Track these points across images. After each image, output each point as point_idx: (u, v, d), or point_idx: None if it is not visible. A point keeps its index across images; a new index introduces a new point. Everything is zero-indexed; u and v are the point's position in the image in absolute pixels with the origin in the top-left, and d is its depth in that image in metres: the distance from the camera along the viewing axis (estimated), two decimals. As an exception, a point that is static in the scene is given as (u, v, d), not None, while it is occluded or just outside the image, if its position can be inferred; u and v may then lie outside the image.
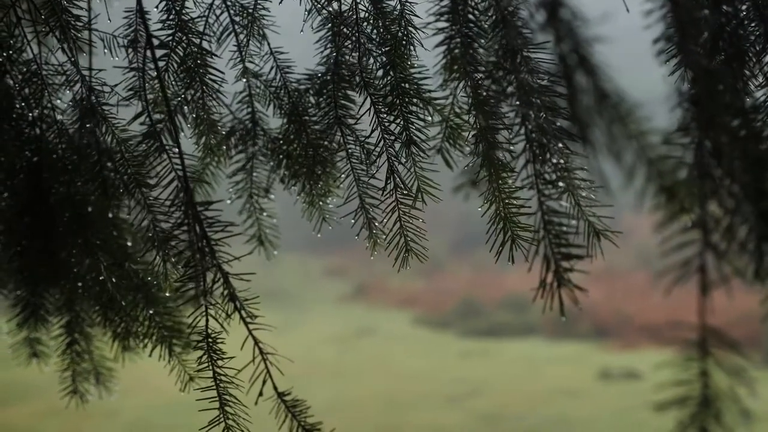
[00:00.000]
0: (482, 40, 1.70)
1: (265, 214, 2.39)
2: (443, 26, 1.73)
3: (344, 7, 2.05)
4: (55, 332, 2.37)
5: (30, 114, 2.15)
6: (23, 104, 2.14)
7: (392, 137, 1.91)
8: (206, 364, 1.83)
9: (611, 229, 1.57)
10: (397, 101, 1.90)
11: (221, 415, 1.82)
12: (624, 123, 1.16)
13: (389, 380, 12.14)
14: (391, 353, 14.20)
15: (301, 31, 2.12)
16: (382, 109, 1.93)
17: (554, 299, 1.39)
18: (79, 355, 2.41)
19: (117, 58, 2.14)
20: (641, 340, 14.09)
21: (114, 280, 2.12)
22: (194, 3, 2.14)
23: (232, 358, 1.84)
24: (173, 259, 1.94)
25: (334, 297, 19.87)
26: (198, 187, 2.19)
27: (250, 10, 2.19)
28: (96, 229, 2.11)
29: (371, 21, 2.01)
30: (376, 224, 1.95)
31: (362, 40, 2.00)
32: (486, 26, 1.68)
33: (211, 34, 2.13)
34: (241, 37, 2.19)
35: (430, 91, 1.92)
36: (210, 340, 1.83)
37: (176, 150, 1.97)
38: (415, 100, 1.91)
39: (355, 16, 2.01)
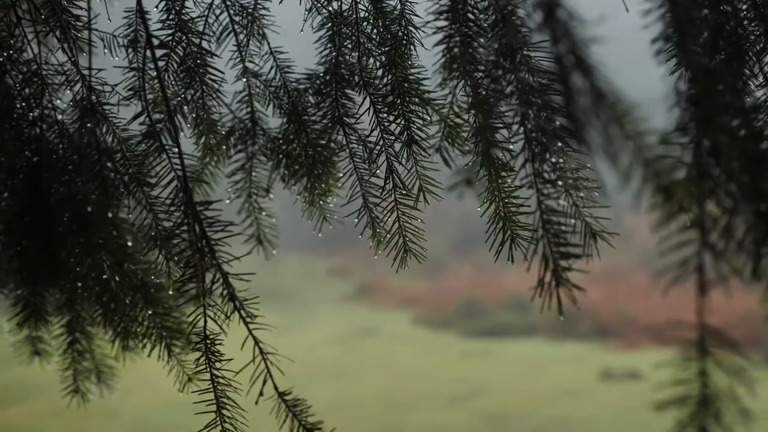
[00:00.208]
0: (481, 39, 1.70)
1: (264, 213, 2.39)
2: (442, 25, 1.72)
3: (344, 7, 2.05)
4: (56, 331, 2.38)
5: (30, 114, 2.15)
6: (23, 104, 2.14)
7: (392, 137, 1.91)
8: (204, 366, 1.82)
9: (609, 230, 1.57)
10: (398, 101, 1.90)
11: (218, 418, 1.82)
12: (620, 123, 1.16)
13: (391, 380, 12.14)
14: (393, 353, 14.20)
15: (301, 30, 2.12)
16: (382, 109, 1.93)
17: (552, 298, 1.39)
18: (80, 354, 2.41)
19: (117, 58, 2.14)
20: (643, 341, 14.08)
21: (117, 278, 2.12)
22: (194, 3, 2.14)
23: (230, 360, 1.83)
24: (176, 258, 1.94)
25: (336, 297, 19.87)
26: (197, 187, 2.19)
27: (250, 10, 2.19)
28: (96, 228, 2.11)
29: (371, 21, 2.01)
30: (382, 223, 1.94)
31: (362, 40, 2.00)
32: (485, 25, 1.68)
33: (211, 33, 2.14)
34: (241, 36, 2.19)
35: (429, 91, 1.93)
36: (208, 341, 1.82)
37: (176, 150, 1.97)
38: (416, 99, 1.91)
39: (354, 16, 2.01)
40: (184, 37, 2.08)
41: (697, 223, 1.15)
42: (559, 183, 1.44)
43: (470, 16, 1.70)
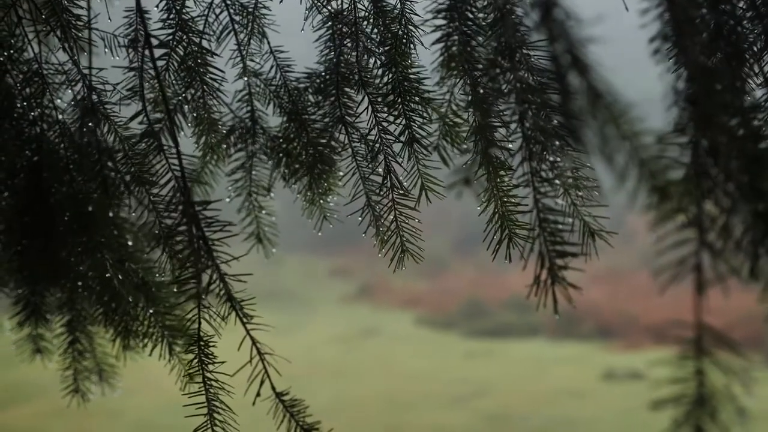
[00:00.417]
0: (480, 38, 1.70)
1: (264, 212, 2.39)
2: (441, 23, 1.72)
3: (344, 6, 2.05)
4: (57, 331, 2.38)
5: (31, 113, 2.16)
6: (24, 104, 2.15)
7: (390, 137, 1.91)
8: (197, 368, 1.81)
9: (607, 230, 1.57)
10: (398, 100, 1.91)
11: (209, 422, 1.81)
12: (617, 123, 1.16)
13: (393, 380, 12.14)
14: (395, 353, 14.20)
15: (302, 29, 2.12)
16: (381, 109, 1.93)
17: (548, 296, 1.39)
18: (81, 354, 2.42)
19: (118, 58, 2.15)
20: (645, 341, 14.07)
21: (120, 277, 2.12)
22: (194, 2, 2.14)
23: (222, 362, 1.82)
24: (175, 258, 1.94)
25: (338, 297, 19.87)
26: (198, 186, 2.20)
27: (250, 9, 2.20)
28: (97, 228, 2.12)
29: (371, 20, 2.01)
30: (383, 222, 1.94)
31: (361, 39, 2.00)
32: (484, 24, 1.68)
33: (211, 33, 2.14)
34: (241, 36, 2.19)
35: (429, 91, 1.93)
36: (202, 343, 1.82)
37: (173, 150, 1.97)
38: (416, 98, 1.91)
39: (353, 15, 2.02)
40: (184, 37, 2.08)
41: (695, 223, 1.15)
42: (557, 182, 1.44)
43: (469, 14, 1.70)
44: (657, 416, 1.15)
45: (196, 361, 1.82)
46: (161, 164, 1.95)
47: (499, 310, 16.65)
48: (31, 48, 2.13)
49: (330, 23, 2.05)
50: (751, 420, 1.20)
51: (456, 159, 2.02)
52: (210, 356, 1.82)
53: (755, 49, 1.70)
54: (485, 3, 1.69)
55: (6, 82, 2.11)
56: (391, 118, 1.92)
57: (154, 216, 2.01)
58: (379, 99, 1.93)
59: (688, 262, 1.12)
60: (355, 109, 2.01)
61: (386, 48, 1.96)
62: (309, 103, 2.14)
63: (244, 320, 1.79)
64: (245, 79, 2.26)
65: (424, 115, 1.92)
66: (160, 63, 2.05)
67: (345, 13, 2.04)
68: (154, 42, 2.04)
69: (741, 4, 1.68)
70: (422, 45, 1.94)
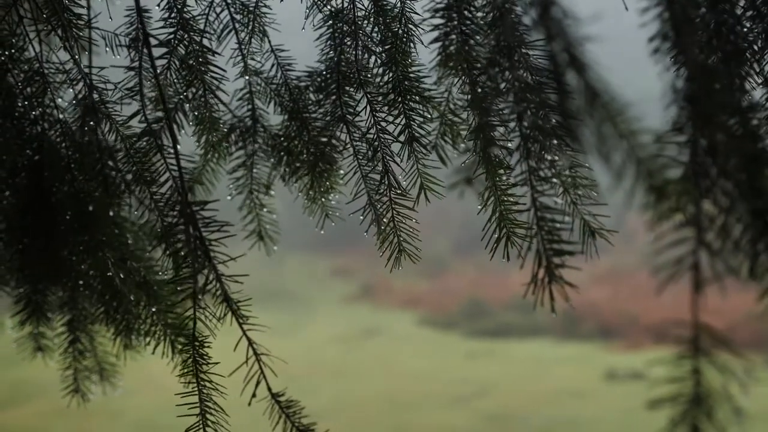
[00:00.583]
0: (478, 37, 1.70)
1: (265, 210, 2.40)
2: (439, 22, 1.73)
3: (345, 5, 2.05)
4: (58, 330, 2.38)
5: (32, 112, 2.16)
6: (25, 103, 2.15)
7: (388, 137, 1.91)
8: (191, 369, 1.81)
9: (607, 228, 1.57)
10: (399, 98, 1.91)
11: (200, 422, 1.80)
12: (614, 122, 1.16)
13: (394, 380, 12.13)
14: (396, 353, 14.19)
15: (302, 28, 2.13)
16: (380, 108, 1.93)
17: (545, 295, 1.39)
18: (81, 353, 2.42)
19: (118, 57, 2.15)
20: (646, 341, 14.06)
21: (121, 275, 2.13)
22: (195, 1, 2.15)
23: (217, 363, 1.82)
24: (172, 257, 1.94)
25: (339, 297, 19.86)
26: (198, 186, 2.20)
27: (251, 8, 2.20)
28: (98, 227, 2.12)
29: (371, 19, 2.01)
30: (385, 221, 1.94)
31: (361, 38, 2.00)
32: (482, 23, 1.68)
33: (212, 31, 2.14)
34: (242, 34, 2.19)
35: (428, 90, 1.93)
36: (197, 343, 1.81)
37: (171, 150, 1.97)
38: (416, 97, 1.91)
39: (353, 14, 2.02)
40: (185, 35, 2.08)
41: (693, 222, 1.15)
42: (554, 181, 1.44)
43: (467, 13, 1.70)
44: (658, 416, 1.15)
45: (190, 361, 1.81)
46: (160, 163, 1.96)
47: (500, 310, 16.63)
48: (32, 47, 2.14)
49: (330, 22, 2.05)
50: (753, 420, 1.20)
51: (454, 158, 2.02)
52: (204, 357, 1.81)
53: (755, 48, 1.70)
54: (484, 2, 1.69)
55: (7, 81, 2.11)
56: (390, 118, 1.92)
57: (155, 215, 2.01)
58: (379, 98, 1.94)
59: (685, 261, 1.12)
60: (355, 107, 2.01)
61: (386, 47, 1.96)
62: (310, 102, 2.15)
63: (241, 321, 1.78)
64: (246, 77, 2.26)
65: (425, 114, 1.92)
66: (161, 62, 2.05)
67: (345, 11, 2.04)
68: (153, 42, 2.04)
69: (741, 3, 1.69)
70: (422, 44, 1.94)
